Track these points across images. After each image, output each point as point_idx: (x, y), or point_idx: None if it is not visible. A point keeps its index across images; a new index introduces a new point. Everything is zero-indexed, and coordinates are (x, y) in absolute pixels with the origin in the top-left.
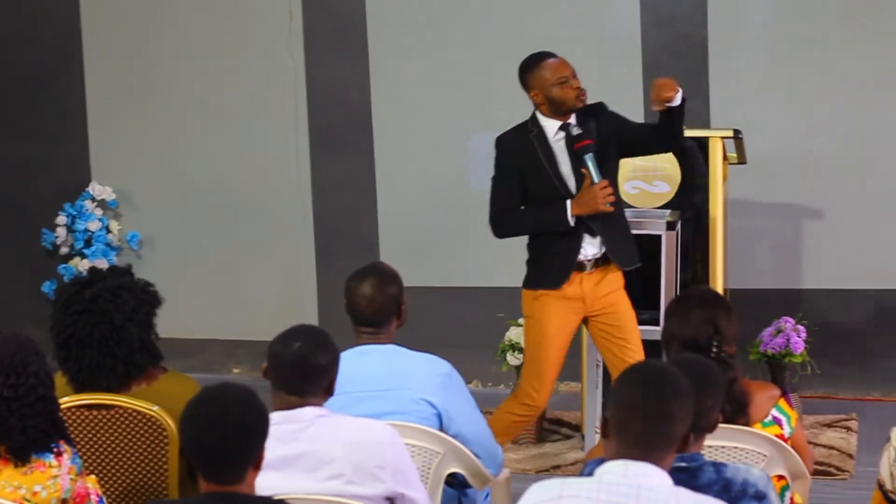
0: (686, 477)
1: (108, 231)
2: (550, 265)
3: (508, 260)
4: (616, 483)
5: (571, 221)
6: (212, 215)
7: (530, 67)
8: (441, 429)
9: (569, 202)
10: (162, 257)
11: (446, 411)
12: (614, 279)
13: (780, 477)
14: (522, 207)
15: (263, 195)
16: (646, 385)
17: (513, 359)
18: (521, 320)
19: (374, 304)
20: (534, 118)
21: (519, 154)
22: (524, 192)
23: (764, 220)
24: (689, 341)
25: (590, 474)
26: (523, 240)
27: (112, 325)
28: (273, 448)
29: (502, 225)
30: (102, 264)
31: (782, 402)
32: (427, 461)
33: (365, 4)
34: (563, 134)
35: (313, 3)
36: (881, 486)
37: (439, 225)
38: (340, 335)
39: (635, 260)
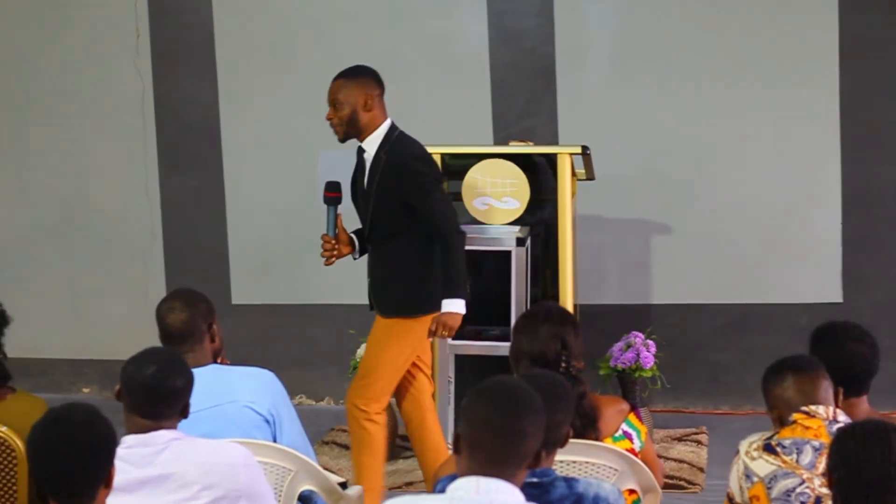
0: (538, 493)
1: None
2: None
3: (357, 277)
4: (468, 500)
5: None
6: (60, 233)
7: None
8: (273, 438)
9: None
10: (9, 275)
11: (273, 416)
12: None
13: (632, 491)
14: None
15: (112, 213)
16: (497, 401)
17: None
18: None
19: (182, 316)
20: None
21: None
22: None
23: (612, 236)
24: (537, 357)
25: (442, 491)
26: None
27: None
28: (127, 471)
29: None
30: None
31: (632, 417)
32: (280, 479)
33: (213, 21)
34: (359, 157)
35: (160, 19)
36: (731, 500)
37: (289, 242)
38: None
39: (392, 312)
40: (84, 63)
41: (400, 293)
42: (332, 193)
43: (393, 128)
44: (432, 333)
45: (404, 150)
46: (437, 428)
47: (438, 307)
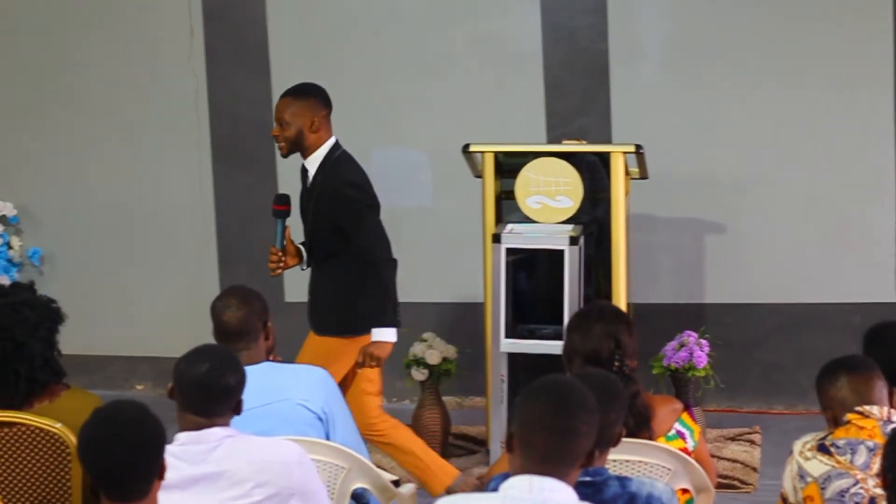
0: (591, 492)
1: (10, 247)
2: None
3: (413, 275)
4: (521, 499)
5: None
6: (114, 231)
7: None
8: (326, 436)
9: None
10: (64, 273)
11: (326, 414)
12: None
13: (685, 490)
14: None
15: (166, 210)
16: (551, 400)
17: (417, 374)
18: (424, 335)
19: (238, 314)
20: None
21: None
22: None
23: (666, 235)
24: (591, 356)
25: (495, 490)
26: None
27: (14, 341)
28: (180, 468)
29: None
30: (4, 281)
31: (685, 416)
32: (332, 477)
33: (266, 20)
34: (305, 173)
35: (214, 19)
36: (784, 500)
37: None
38: None
39: (331, 331)
40: (138, 62)
41: (338, 312)
42: (280, 206)
43: (335, 147)
44: (360, 364)
45: (338, 175)
46: (399, 434)
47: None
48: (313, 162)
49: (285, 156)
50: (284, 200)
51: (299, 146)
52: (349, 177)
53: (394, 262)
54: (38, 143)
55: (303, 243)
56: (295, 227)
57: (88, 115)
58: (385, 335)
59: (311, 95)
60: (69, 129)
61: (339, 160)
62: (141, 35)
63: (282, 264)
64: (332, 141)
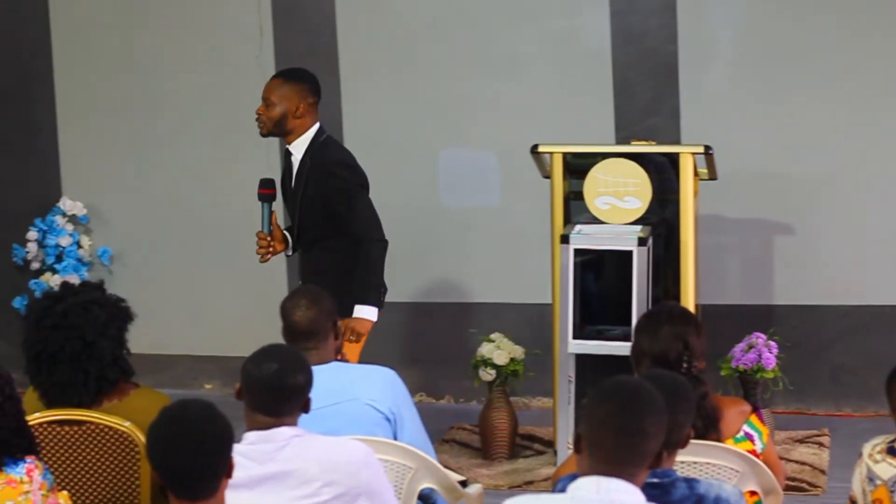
0: (659, 493)
1: (79, 246)
2: None
3: (481, 276)
4: (588, 499)
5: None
6: (183, 231)
7: None
8: (394, 436)
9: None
10: (133, 273)
11: (394, 414)
12: None
13: (753, 493)
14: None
15: (235, 210)
16: (619, 401)
17: (485, 374)
18: (492, 336)
19: (309, 314)
20: None
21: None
22: None
23: (735, 236)
24: (659, 357)
25: (562, 490)
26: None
27: (84, 339)
28: (248, 468)
29: None
30: (73, 280)
31: (754, 418)
32: (400, 477)
33: (335, 20)
34: (289, 158)
35: (284, 19)
36: (853, 503)
37: (409, 241)
38: None
39: None
40: (207, 62)
41: (335, 295)
42: (266, 190)
43: (320, 132)
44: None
45: (328, 156)
46: None
47: None
48: (299, 146)
49: (264, 135)
50: (270, 184)
51: (280, 129)
52: (339, 157)
53: (384, 243)
54: (107, 144)
55: (288, 229)
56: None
57: (158, 116)
58: (367, 313)
59: (303, 81)
60: (139, 129)
61: (326, 143)
62: (210, 35)
63: (271, 249)
64: (316, 126)
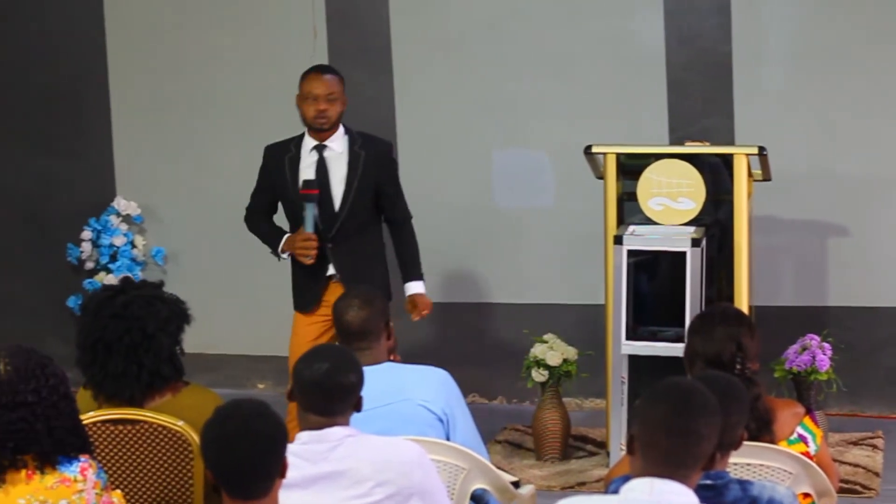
0: (712, 495)
1: (133, 246)
2: (301, 289)
3: (534, 276)
4: (641, 501)
5: (279, 257)
6: (237, 231)
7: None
8: (446, 437)
9: (285, 237)
10: (187, 272)
11: (446, 415)
12: None
13: (806, 495)
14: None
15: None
16: (673, 402)
17: (538, 375)
18: (545, 336)
19: (361, 314)
20: (302, 134)
21: (272, 168)
22: (275, 202)
23: (789, 237)
24: (712, 358)
25: (615, 492)
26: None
27: (144, 332)
28: (301, 467)
29: (247, 223)
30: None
31: (807, 420)
32: (452, 477)
33: (389, 20)
34: (316, 155)
35: (337, 19)
36: None
37: (464, 240)
38: None
39: None
40: (261, 63)
41: (380, 280)
42: (309, 191)
43: (346, 126)
44: (418, 314)
45: (380, 143)
46: None
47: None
48: (338, 138)
49: (326, 130)
50: (314, 185)
51: (334, 125)
52: (388, 144)
53: None
54: (161, 144)
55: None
56: (279, 216)
57: (212, 116)
58: (423, 287)
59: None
60: (193, 129)
61: (360, 133)
62: (264, 36)
63: (315, 251)
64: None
